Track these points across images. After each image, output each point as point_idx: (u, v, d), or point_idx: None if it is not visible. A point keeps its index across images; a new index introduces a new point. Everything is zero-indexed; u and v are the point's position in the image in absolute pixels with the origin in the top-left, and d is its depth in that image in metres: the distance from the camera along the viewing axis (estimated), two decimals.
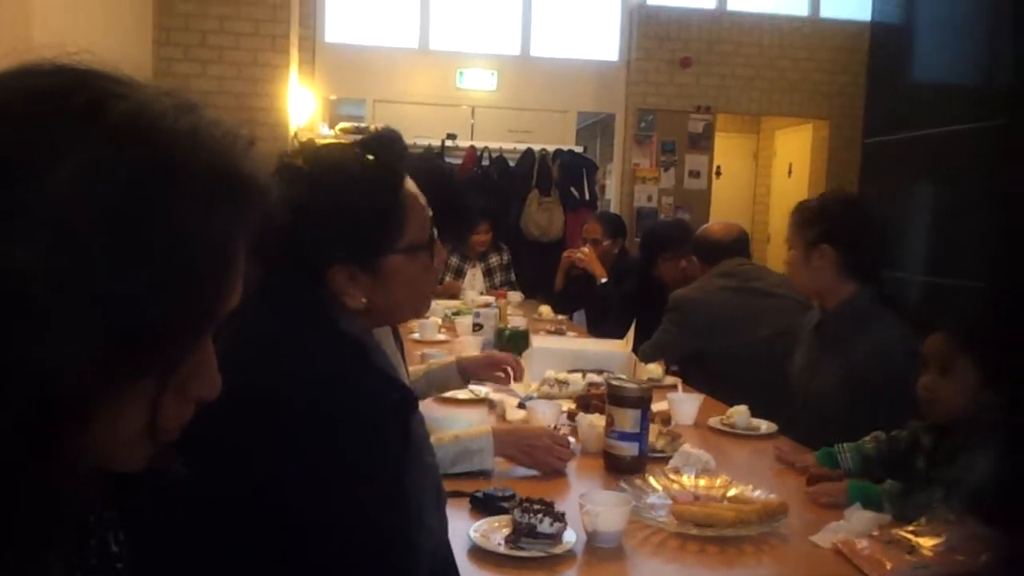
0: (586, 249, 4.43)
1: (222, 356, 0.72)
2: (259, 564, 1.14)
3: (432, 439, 1.90)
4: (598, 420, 2.11)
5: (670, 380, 2.96)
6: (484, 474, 1.88)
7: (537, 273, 5.76)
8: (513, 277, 5.35)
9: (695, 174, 7.56)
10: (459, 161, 6.54)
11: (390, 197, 1.25)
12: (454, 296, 4.84)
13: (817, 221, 2.39)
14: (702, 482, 1.82)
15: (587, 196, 6.63)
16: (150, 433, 0.65)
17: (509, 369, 2.33)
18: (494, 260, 5.30)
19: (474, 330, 3.50)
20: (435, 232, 1.33)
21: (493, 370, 2.36)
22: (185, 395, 0.67)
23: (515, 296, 4.95)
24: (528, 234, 6.47)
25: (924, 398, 1.85)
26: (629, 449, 1.94)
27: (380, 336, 1.76)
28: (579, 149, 6.99)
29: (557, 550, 1.45)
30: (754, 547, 1.56)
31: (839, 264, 2.36)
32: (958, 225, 5.63)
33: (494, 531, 1.53)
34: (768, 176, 8.92)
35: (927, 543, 1.51)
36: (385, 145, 1.29)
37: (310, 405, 1.13)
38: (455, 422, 2.19)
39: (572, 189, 6.57)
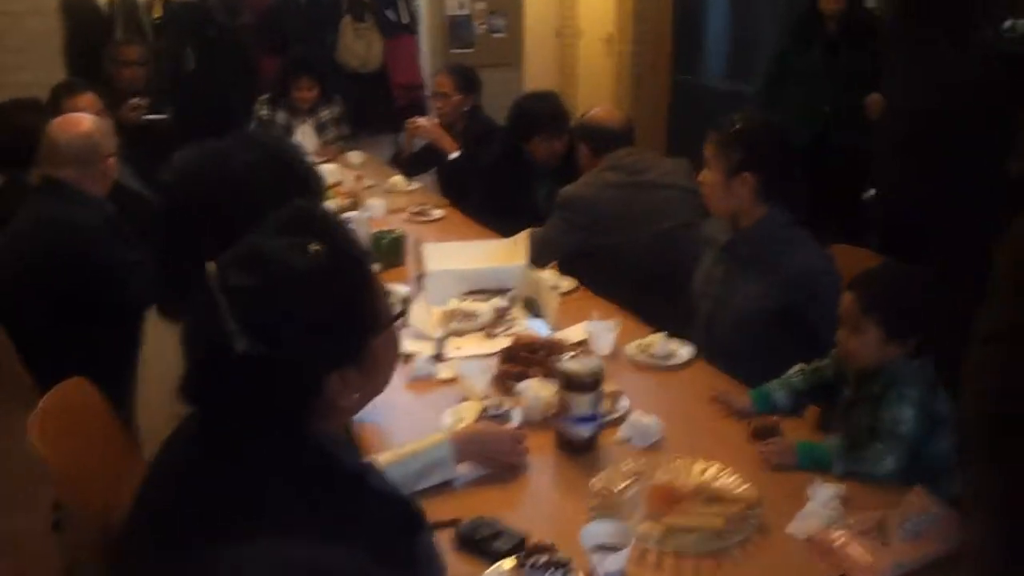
0: (424, 121, 4.27)
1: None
2: None
3: (390, 456, 1.81)
4: (541, 388, 2.08)
5: (567, 284, 2.94)
6: (447, 484, 1.83)
7: (362, 107, 5.46)
8: (347, 131, 5.00)
9: None
10: None
11: (354, 282, 1.14)
12: None
13: (739, 147, 2.37)
14: (668, 470, 1.84)
15: (405, 19, 6.18)
16: None
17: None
18: (325, 114, 4.90)
19: None
20: None
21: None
22: None
23: (355, 157, 4.67)
24: (347, 65, 6.01)
25: (840, 351, 2.00)
26: (586, 431, 1.94)
27: None
28: None
29: None
30: (742, 551, 1.63)
31: (757, 189, 2.37)
32: (753, 23, 5.80)
33: None
34: None
35: (893, 528, 1.63)
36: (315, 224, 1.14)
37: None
38: None
39: (388, 12, 6.08)
